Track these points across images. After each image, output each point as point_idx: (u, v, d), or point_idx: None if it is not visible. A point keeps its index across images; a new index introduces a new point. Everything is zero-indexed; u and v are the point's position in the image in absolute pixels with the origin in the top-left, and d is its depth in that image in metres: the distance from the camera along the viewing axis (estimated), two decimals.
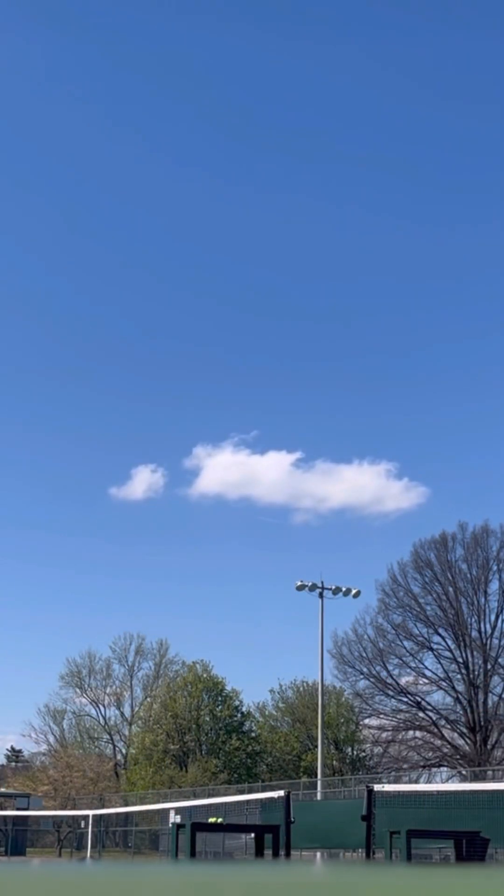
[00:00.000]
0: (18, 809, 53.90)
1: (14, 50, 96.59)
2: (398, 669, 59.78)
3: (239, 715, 71.34)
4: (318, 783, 48.52)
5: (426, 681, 59.28)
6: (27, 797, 58.28)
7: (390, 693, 59.99)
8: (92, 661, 76.34)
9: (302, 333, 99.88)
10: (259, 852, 21.04)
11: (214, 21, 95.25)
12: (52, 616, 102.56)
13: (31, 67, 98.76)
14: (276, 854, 20.19)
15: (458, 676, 57.86)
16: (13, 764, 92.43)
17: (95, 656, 76.62)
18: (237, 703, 71.25)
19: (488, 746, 56.29)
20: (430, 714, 59.42)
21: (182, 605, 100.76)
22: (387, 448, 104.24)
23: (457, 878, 3.03)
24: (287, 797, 20.63)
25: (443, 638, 58.47)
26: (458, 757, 57.01)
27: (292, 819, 20.41)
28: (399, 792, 30.24)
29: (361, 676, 60.47)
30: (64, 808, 56.03)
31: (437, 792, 31.04)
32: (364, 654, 59.97)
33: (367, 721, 63.87)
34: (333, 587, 50.88)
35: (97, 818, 42.60)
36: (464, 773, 51.83)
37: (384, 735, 61.37)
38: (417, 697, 59.63)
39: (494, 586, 57.57)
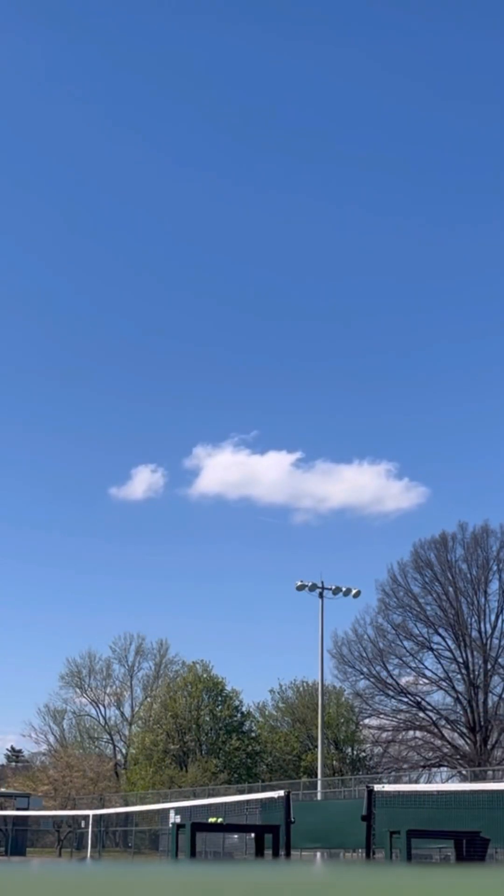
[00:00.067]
0: (18, 809, 53.90)
1: (14, 50, 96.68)
2: (398, 669, 59.86)
3: (239, 715, 71.35)
4: (318, 783, 48.51)
5: (426, 681, 59.32)
6: (27, 797, 58.29)
7: (390, 693, 60.01)
8: (92, 661, 76.44)
9: (302, 333, 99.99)
10: (259, 852, 21.03)
11: (215, 21, 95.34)
12: (52, 616, 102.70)
13: (32, 67, 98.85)
14: (276, 854, 20.19)
15: (458, 676, 57.88)
16: (13, 764, 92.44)
17: (95, 656, 76.74)
18: (237, 703, 71.29)
19: (488, 746, 56.29)
20: (430, 714, 59.43)
21: (182, 605, 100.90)
22: (387, 448, 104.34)
23: (457, 878, 3.03)
24: (287, 797, 20.63)
25: (443, 638, 58.52)
26: (458, 757, 57.01)
27: (292, 819, 20.41)
28: (399, 792, 30.24)
29: (361, 676, 60.53)
30: (64, 808, 56.02)
31: (437, 792, 31.03)
32: (364, 654, 60.01)
33: (367, 721, 63.92)
34: (333, 587, 50.88)
35: (97, 818, 42.59)
36: (464, 773, 51.84)
37: (384, 735, 61.38)
38: (417, 697, 59.66)
39: (494, 586, 57.65)
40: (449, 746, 58.41)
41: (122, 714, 77.53)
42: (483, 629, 57.36)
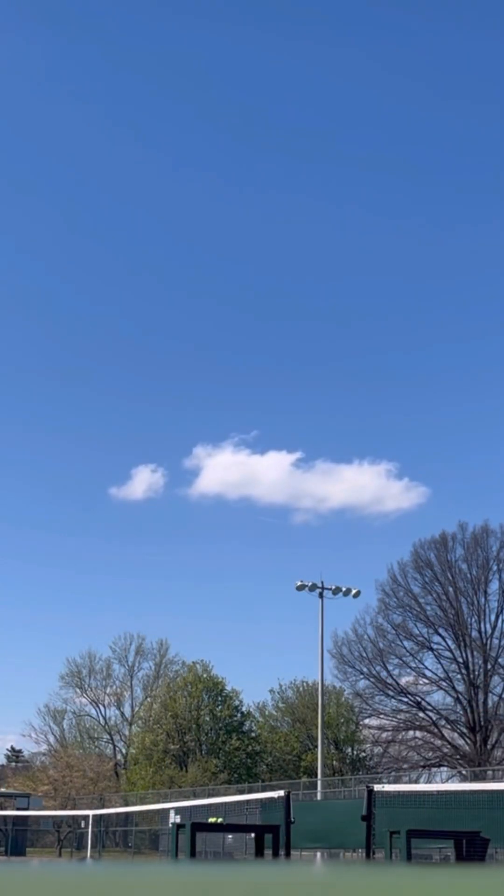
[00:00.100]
0: (18, 809, 53.89)
1: (14, 50, 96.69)
2: (398, 669, 59.88)
3: (239, 715, 71.36)
4: (318, 783, 48.52)
5: (426, 681, 59.33)
6: (27, 797, 58.28)
7: (390, 693, 60.01)
8: (92, 661, 76.45)
9: (302, 333, 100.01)
10: (259, 852, 21.03)
11: (215, 21, 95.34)
12: (52, 616, 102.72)
13: (31, 67, 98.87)
14: (276, 854, 20.19)
15: (458, 676, 57.89)
16: (13, 764, 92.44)
17: (95, 656, 76.75)
18: (237, 703, 71.30)
19: (488, 746, 56.29)
20: (430, 714, 59.43)
21: (182, 605, 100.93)
22: (387, 448, 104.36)
23: (457, 878, 3.03)
24: (287, 797, 20.63)
25: (443, 638, 58.53)
26: (458, 757, 57.02)
27: (292, 819, 20.41)
28: (399, 792, 30.24)
29: (361, 676, 60.54)
30: (64, 808, 56.02)
31: (437, 792, 31.03)
32: (364, 654, 60.02)
33: (367, 721, 63.93)
34: (333, 587, 50.89)
35: (97, 818, 42.60)
36: (464, 773, 51.84)
37: (384, 735, 61.38)
38: (417, 697, 59.66)
39: (494, 586, 57.66)
40: (449, 746, 58.41)
41: (122, 714, 77.63)
42: (483, 629, 57.44)
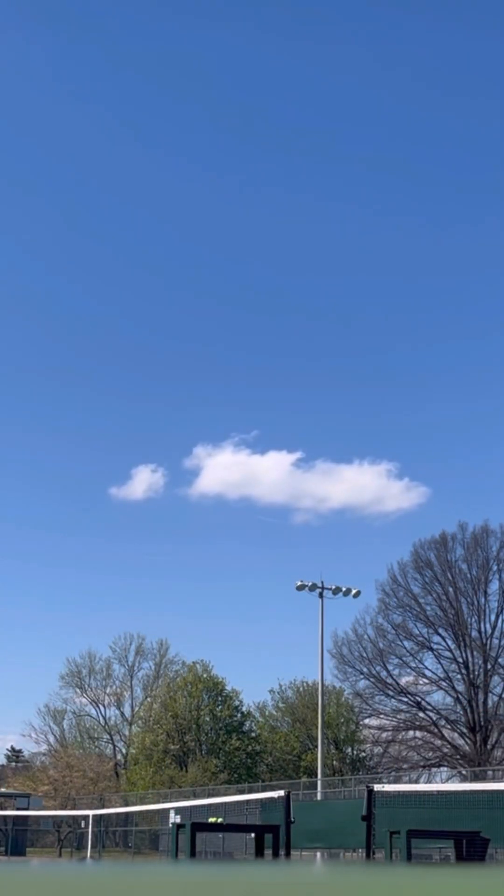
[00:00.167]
0: (18, 809, 53.88)
1: (15, 50, 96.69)
2: (398, 669, 59.88)
3: (239, 715, 71.36)
4: (318, 783, 48.52)
5: (426, 681, 59.34)
6: (27, 797, 58.27)
7: (390, 693, 60.02)
8: (92, 661, 76.48)
9: (302, 333, 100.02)
10: (259, 852, 21.03)
11: (216, 21, 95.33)
12: (52, 616, 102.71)
13: (32, 67, 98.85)
14: (276, 854, 20.19)
15: (458, 676, 57.89)
16: (13, 764, 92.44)
17: (95, 656, 76.78)
18: (237, 703, 71.31)
19: (488, 746, 56.29)
20: (430, 714, 59.44)
21: (182, 605, 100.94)
22: (387, 448, 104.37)
23: (457, 878, 3.03)
24: (287, 797, 20.63)
25: (443, 638, 58.53)
26: (458, 757, 57.02)
27: (292, 819, 20.41)
28: (399, 792, 30.23)
29: (361, 676, 60.54)
30: (64, 808, 56.03)
31: (437, 792, 31.03)
32: (364, 654, 60.03)
33: (367, 721, 63.94)
34: (333, 587, 50.88)
35: (97, 818, 42.60)
36: (464, 773, 51.84)
37: (384, 735, 61.39)
38: (417, 697, 59.67)
39: (494, 586, 57.67)
40: (449, 746, 58.42)
41: (122, 714, 77.65)
42: (483, 629, 57.44)
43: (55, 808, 56.12)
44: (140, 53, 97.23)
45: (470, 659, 57.29)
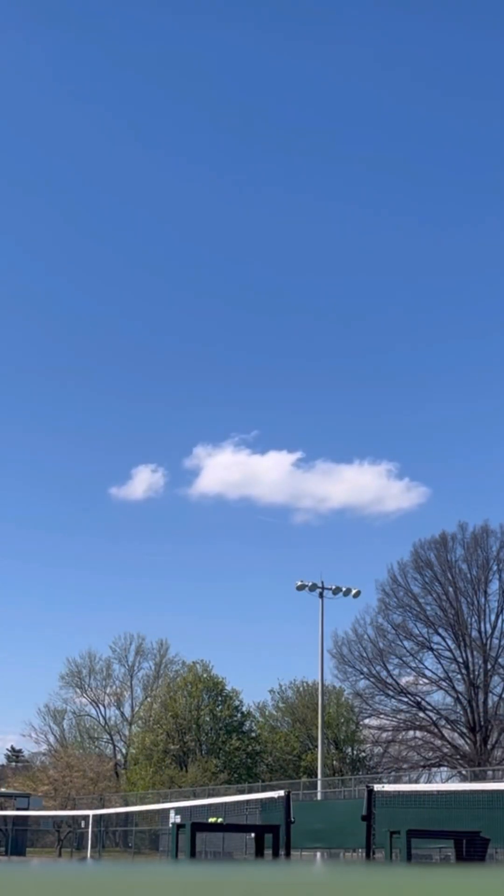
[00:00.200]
0: (18, 809, 53.89)
1: (15, 50, 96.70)
2: (398, 669, 59.88)
3: (239, 715, 71.36)
4: (318, 783, 48.52)
5: (426, 681, 59.34)
6: (27, 797, 58.28)
7: (390, 693, 60.02)
8: (92, 661, 76.47)
9: (302, 333, 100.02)
10: (259, 852, 21.03)
11: (216, 21, 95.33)
12: (52, 616, 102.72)
13: (32, 67, 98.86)
14: (276, 854, 20.19)
15: (458, 676, 57.89)
16: (13, 764, 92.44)
17: (95, 656, 76.77)
18: (237, 703, 71.30)
19: (488, 746, 56.29)
20: (430, 714, 59.44)
21: (182, 605, 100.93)
22: (387, 448, 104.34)
23: (457, 878, 3.03)
24: (287, 797, 20.63)
25: (443, 638, 58.53)
26: (458, 757, 57.02)
27: (292, 819, 20.41)
28: (399, 792, 30.23)
29: (361, 676, 60.54)
30: (64, 808, 56.03)
31: (437, 792, 31.03)
32: (364, 654, 60.02)
33: (367, 721, 63.93)
34: (333, 587, 50.88)
35: (97, 818, 42.60)
36: (464, 773, 51.84)
37: (384, 735, 61.39)
38: (417, 697, 59.67)
39: (494, 586, 57.66)
40: (449, 746, 58.42)
41: (122, 714, 77.65)
42: (483, 629, 57.44)
43: (55, 808, 56.12)
44: (140, 53, 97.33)
45: (470, 659, 57.31)
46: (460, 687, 57.79)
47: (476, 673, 57.12)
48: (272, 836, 20.39)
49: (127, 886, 2.86)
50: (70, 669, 76.23)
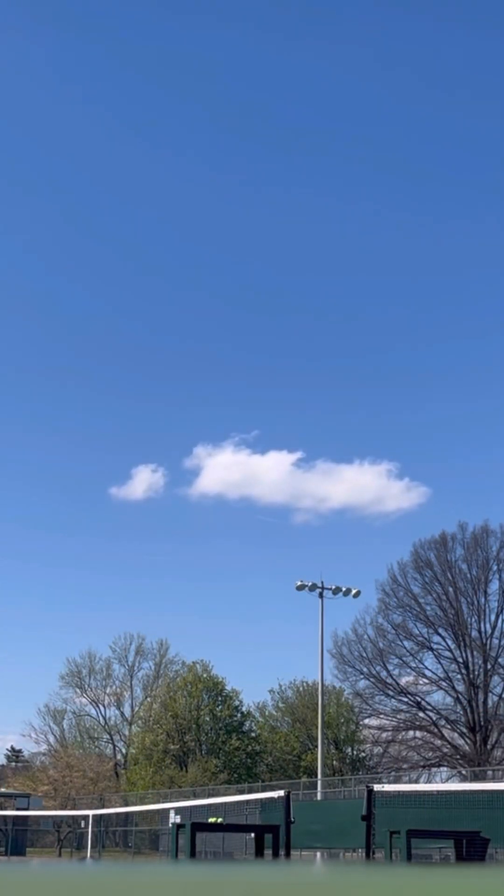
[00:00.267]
0: (18, 809, 53.89)
1: (15, 50, 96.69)
2: (398, 669, 59.88)
3: (239, 715, 71.37)
4: (318, 783, 48.52)
5: (426, 681, 59.34)
6: (27, 797, 58.29)
7: (390, 693, 60.02)
8: (92, 661, 76.48)
9: (303, 332, 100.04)
10: (259, 852, 21.03)
11: (217, 20, 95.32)
12: (52, 616, 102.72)
13: (33, 67, 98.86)
14: (276, 854, 20.18)
15: (458, 676, 57.89)
16: (13, 764, 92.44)
17: (95, 656, 76.78)
18: (237, 703, 71.31)
19: (488, 746, 56.29)
20: (430, 714, 59.44)
21: (182, 605, 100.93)
22: (387, 448, 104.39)
23: (457, 878, 3.03)
24: (287, 797, 20.62)
25: (443, 638, 58.54)
26: (458, 757, 57.02)
27: (292, 819, 20.40)
28: (399, 792, 30.23)
29: (361, 676, 60.55)
30: (64, 808, 56.03)
31: (437, 792, 31.02)
32: (364, 654, 60.03)
33: (367, 721, 63.94)
34: (333, 587, 50.89)
35: (97, 818, 42.59)
36: (464, 773, 51.84)
37: (384, 735, 61.39)
38: (417, 697, 59.67)
39: (494, 586, 57.68)
40: (449, 746, 58.42)
41: (122, 714, 77.65)
42: (483, 629, 57.45)
43: (55, 808, 56.12)
44: (140, 53, 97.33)
45: (470, 659, 57.32)
46: (460, 687, 57.81)
47: (476, 673, 57.13)
48: (272, 836, 20.38)
49: (127, 886, 2.86)
50: (70, 669, 76.34)
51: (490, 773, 48.87)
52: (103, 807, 51.17)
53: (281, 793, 21.17)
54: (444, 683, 58.49)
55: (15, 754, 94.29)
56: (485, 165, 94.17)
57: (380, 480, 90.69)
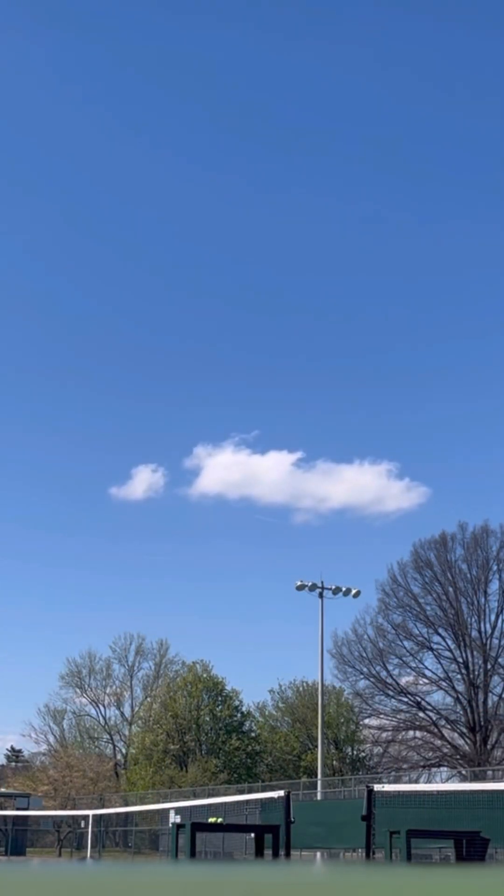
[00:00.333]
0: (18, 809, 53.90)
1: (15, 50, 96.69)
2: (398, 669, 59.90)
3: (239, 715, 71.37)
4: (318, 783, 48.53)
5: (426, 681, 59.35)
6: (27, 797, 58.29)
7: (390, 693, 60.02)
8: (92, 661, 76.50)
9: (303, 332, 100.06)
10: (259, 852, 21.02)
11: (216, 20, 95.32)
12: (52, 616, 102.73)
13: (33, 67, 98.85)
14: (276, 854, 20.18)
15: (458, 676, 57.90)
16: (13, 764, 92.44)
17: (95, 656, 76.80)
18: (237, 703, 71.31)
19: (488, 746, 56.30)
20: (430, 714, 59.45)
21: (182, 605, 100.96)
22: (387, 448, 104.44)
23: (457, 878, 3.03)
24: (287, 797, 20.62)
25: (443, 638, 58.55)
26: (458, 757, 57.03)
27: (292, 819, 20.40)
28: (399, 792, 30.22)
29: (361, 676, 60.56)
30: (64, 808, 56.04)
31: (437, 792, 31.01)
32: (364, 654, 60.04)
33: (367, 721, 63.96)
34: (333, 587, 50.89)
35: (97, 818, 42.59)
36: (464, 773, 51.85)
37: (384, 735, 61.40)
38: (417, 697, 59.68)
39: (494, 586, 57.69)
40: (449, 746, 58.42)
41: (122, 714, 77.66)
42: (483, 629, 57.46)
43: (55, 808, 56.13)
44: (140, 53, 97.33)
45: (470, 659, 57.32)
46: (460, 687, 57.81)
47: (476, 673, 57.13)
48: (272, 836, 20.37)
49: (127, 886, 2.86)
50: (70, 669, 76.35)
51: (490, 773, 48.88)
52: (103, 807, 51.17)
53: (281, 793, 21.17)
54: (444, 683, 58.54)
55: (15, 754, 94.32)
56: (485, 165, 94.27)
57: (380, 480, 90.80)
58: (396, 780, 52.50)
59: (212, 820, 31.39)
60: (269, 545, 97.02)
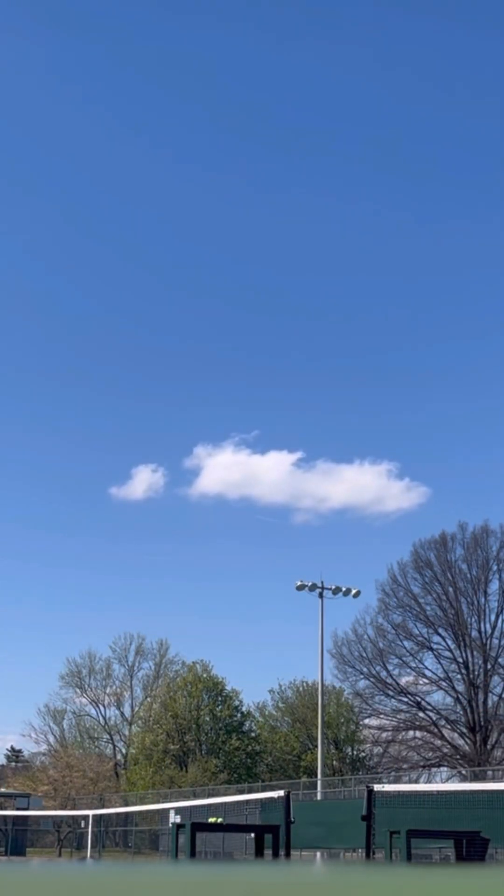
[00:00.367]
0: (18, 809, 53.88)
1: (15, 50, 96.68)
2: (398, 669, 59.89)
3: (239, 715, 71.37)
4: (318, 783, 48.52)
5: (426, 681, 59.34)
6: (27, 797, 58.27)
7: (390, 693, 60.02)
8: (92, 661, 76.49)
9: (303, 332, 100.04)
10: (259, 852, 21.02)
11: (216, 20, 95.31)
12: (52, 616, 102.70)
13: (32, 67, 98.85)
14: (276, 854, 20.18)
15: (458, 676, 57.89)
16: (13, 764, 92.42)
17: (95, 656, 76.80)
18: (237, 703, 71.31)
19: (488, 746, 56.29)
20: (430, 714, 59.44)
21: (182, 605, 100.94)
22: (387, 448, 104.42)
23: (457, 878, 3.03)
24: (287, 797, 20.62)
25: (443, 638, 58.54)
26: (458, 757, 57.02)
27: (292, 819, 20.40)
28: (399, 792, 30.21)
29: (361, 676, 60.55)
30: (64, 808, 56.03)
31: (437, 792, 31.01)
32: (364, 654, 60.03)
33: (367, 721, 63.95)
34: (333, 587, 50.89)
35: (97, 818, 42.59)
36: (464, 773, 51.85)
37: (384, 735, 61.39)
38: (417, 697, 59.67)
39: (494, 586, 57.68)
40: (449, 746, 58.42)
41: (122, 714, 77.67)
42: (483, 629, 57.46)
43: (55, 808, 56.12)
44: (140, 53, 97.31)
45: (470, 659, 57.32)
46: (460, 687, 57.80)
47: (476, 673, 57.13)
48: (272, 836, 20.37)
49: (127, 886, 2.86)
50: (70, 669, 76.35)
51: (490, 773, 48.88)
52: (103, 807, 51.17)
53: (281, 793, 21.17)
54: (444, 683, 58.54)
55: (15, 754, 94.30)
56: (485, 165, 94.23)
57: (380, 480, 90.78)
58: (396, 780, 52.49)
59: (212, 820, 31.39)
60: (269, 545, 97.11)
